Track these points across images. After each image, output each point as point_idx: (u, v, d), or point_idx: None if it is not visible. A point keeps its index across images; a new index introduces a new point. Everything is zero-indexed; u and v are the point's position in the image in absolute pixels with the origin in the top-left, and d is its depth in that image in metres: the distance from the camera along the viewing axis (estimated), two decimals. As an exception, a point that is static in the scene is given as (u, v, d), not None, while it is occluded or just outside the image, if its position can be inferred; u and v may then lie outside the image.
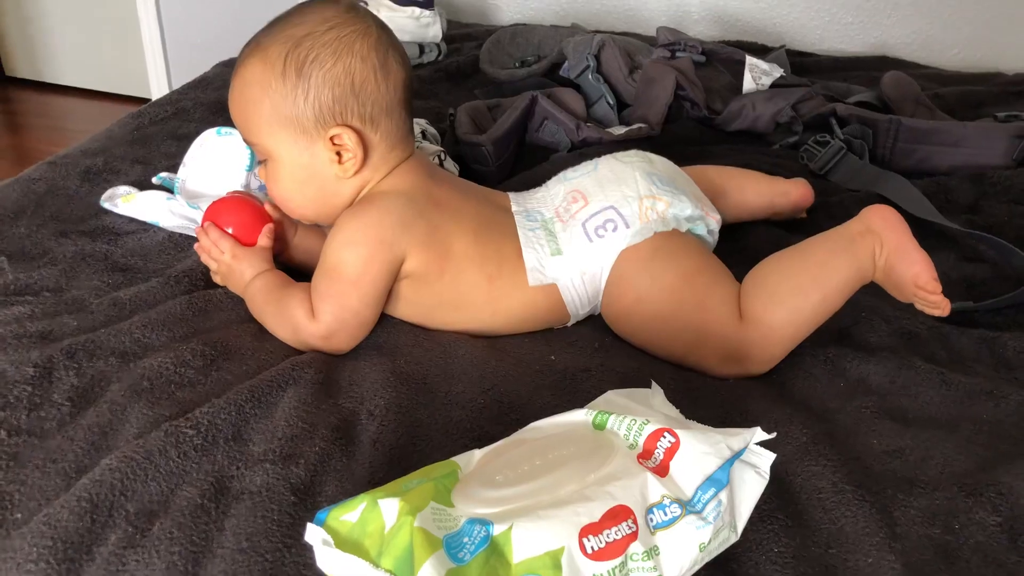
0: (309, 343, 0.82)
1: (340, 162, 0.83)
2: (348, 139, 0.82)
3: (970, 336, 0.89)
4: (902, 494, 0.67)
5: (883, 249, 0.80)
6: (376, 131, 0.84)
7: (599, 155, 0.97)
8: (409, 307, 0.87)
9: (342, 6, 0.85)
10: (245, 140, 0.87)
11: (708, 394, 0.79)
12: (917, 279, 0.79)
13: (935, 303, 0.79)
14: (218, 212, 0.90)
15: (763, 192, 1.06)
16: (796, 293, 0.82)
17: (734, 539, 0.59)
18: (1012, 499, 0.67)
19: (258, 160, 0.88)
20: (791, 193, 1.07)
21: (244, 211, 0.90)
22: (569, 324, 0.91)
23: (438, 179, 0.90)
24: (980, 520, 0.65)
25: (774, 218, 1.09)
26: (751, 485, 0.59)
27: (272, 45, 0.82)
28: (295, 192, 0.86)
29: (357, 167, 0.84)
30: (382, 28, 0.85)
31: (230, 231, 0.89)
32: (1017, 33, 1.77)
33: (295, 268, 0.93)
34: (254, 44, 0.84)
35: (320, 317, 0.81)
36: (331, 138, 0.82)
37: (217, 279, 0.91)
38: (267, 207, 0.92)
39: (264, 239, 0.89)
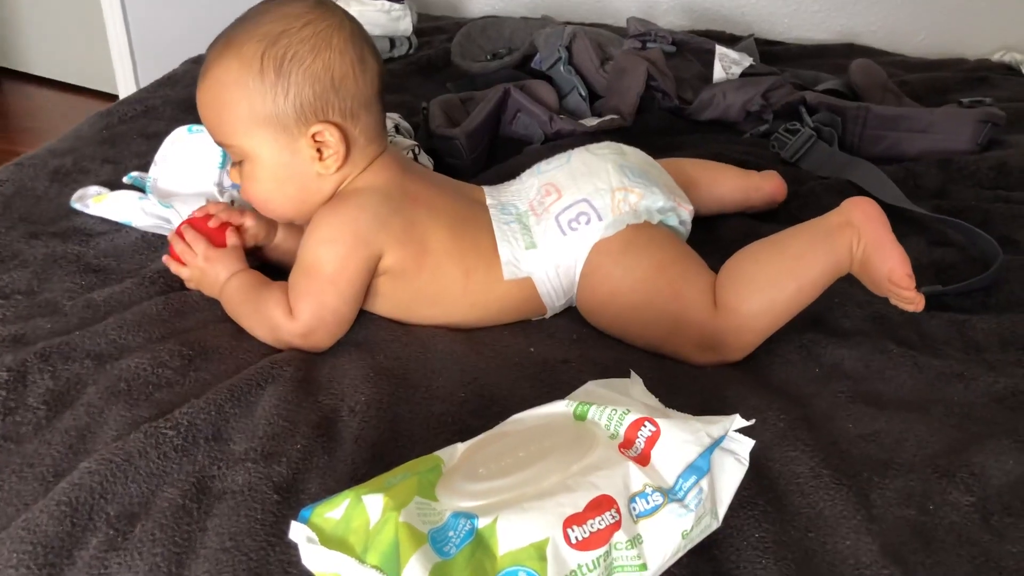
0: (288, 341, 0.82)
1: (321, 159, 0.83)
2: (330, 136, 0.82)
3: (940, 319, 0.91)
4: (878, 477, 0.68)
5: (860, 242, 0.81)
6: (356, 126, 0.83)
7: (572, 147, 0.98)
8: (386, 303, 0.86)
9: (310, 1, 0.83)
10: (218, 142, 0.86)
11: (686, 382, 0.80)
12: (891, 274, 0.79)
13: (908, 299, 0.80)
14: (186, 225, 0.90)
15: (737, 186, 1.07)
16: (771, 284, 0.83)
17: (716, 526, 0.60)
18: (984, 480, 0.68)
19: (232, 161, 0.87)
20: (764, 187, 1.08)
21: (208, 222, 0.90)
22: (547, 316, 0.91)
23: (413, 174, 0.90)
24: (954, 501, 0.67)
25: (747, 211, 1.10)
26: (731, 472, 0.60)
27: (246, 44, 0.80)
28: (275, 192, 0.85)
29: (339, 163, 0.83)
30: (353, 21, 0.85)
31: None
32: (978, 19, 1.80)
33: (276, 267, 0.92)
34: (224, 43, 0.82)
35: (298, 316, 0.81)
36: (312, 135, 0.82)
37: (191, 285, 0.90)
38: (235, 212, 0.91)
39: (232, 238, 0.89)
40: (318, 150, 0.82)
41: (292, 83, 0.80)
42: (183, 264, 0.88)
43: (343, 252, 0.81)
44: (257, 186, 0.85)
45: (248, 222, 0.91)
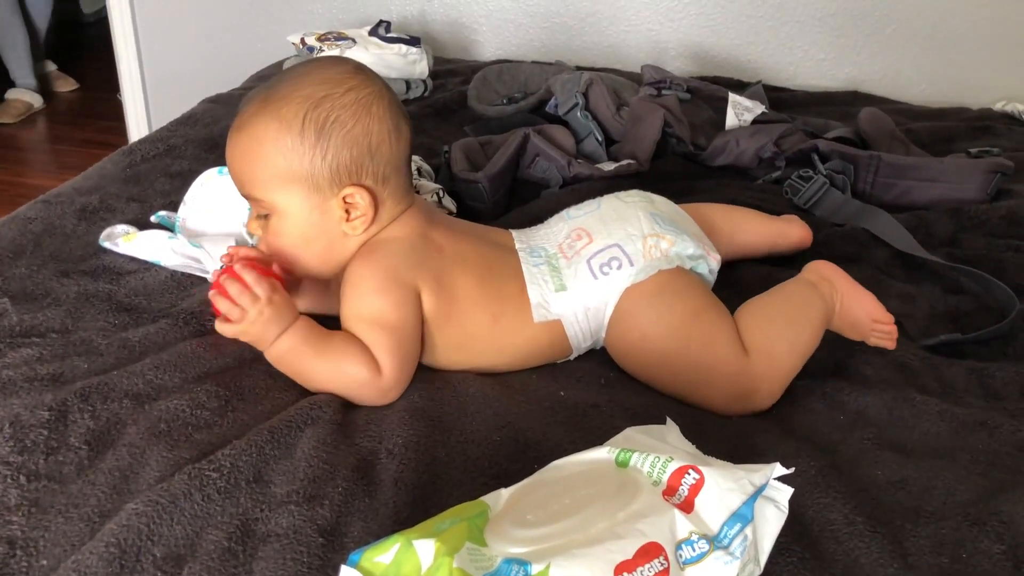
0: (370, 398, 0.81)
1: (348, 219, 0.84)
2: (360, 198, 0.84)
3: (960, 367, 0.92)
4: (910, 524, 0.70)
5: (838, 293, 0.90)
6: (386, 188, 0.86)
7: (591, 191, 0.99)
8: None
9: (351, 67, 0.86)
10: (245, 195, 0.86)
11: (715, 430, 0.81)
12: (872, 314, 0.89)
13: (890, 333, 0.90)
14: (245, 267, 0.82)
15: (764, 231, 1.09)
16: (790, 326, 0.89)
17: (758, 572, 0.60)
18: (1013, 528, 0.70)
19: (256, 215, 0.87)
20: (792, 234, 1.11)
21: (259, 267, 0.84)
22: (572, 357, 0.92)
23: (437, 224, 0.91)
24: (985, 549, 0.68)
25: (773, 256, 1.11)
26: (772, 519, 0.61)
27: (287, 104, 0.82)
28: (302, 247, 0.86)
29: (367, 224, 0.85)
30: (391, 91, 0.88)
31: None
32: (978, 70, 1.84)
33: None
34: (261, 102, 0.83)
35: (386, 370, 0.80)
36: (343, 197, 0.83)
37: (228, 331, 0.81)
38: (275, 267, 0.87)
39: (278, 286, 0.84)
40: (347, 210, 0.84)
41: (331, 145, 0.82)
42: (229, 320, 0.81)
43: (395, 299, 0.83)
44: (283, 240, 0.86)
45: (276, 269, 0.88)
